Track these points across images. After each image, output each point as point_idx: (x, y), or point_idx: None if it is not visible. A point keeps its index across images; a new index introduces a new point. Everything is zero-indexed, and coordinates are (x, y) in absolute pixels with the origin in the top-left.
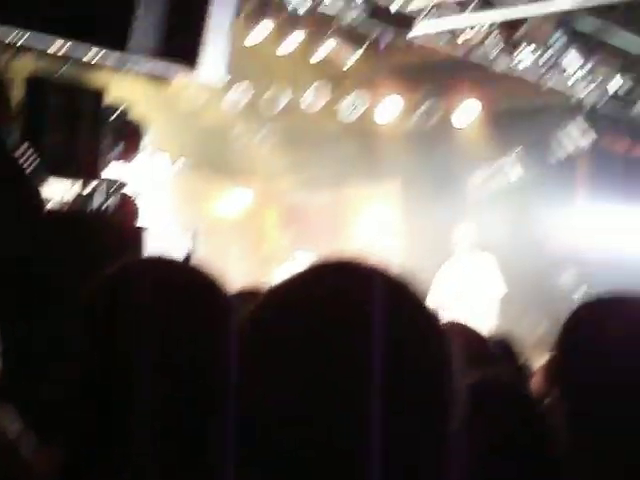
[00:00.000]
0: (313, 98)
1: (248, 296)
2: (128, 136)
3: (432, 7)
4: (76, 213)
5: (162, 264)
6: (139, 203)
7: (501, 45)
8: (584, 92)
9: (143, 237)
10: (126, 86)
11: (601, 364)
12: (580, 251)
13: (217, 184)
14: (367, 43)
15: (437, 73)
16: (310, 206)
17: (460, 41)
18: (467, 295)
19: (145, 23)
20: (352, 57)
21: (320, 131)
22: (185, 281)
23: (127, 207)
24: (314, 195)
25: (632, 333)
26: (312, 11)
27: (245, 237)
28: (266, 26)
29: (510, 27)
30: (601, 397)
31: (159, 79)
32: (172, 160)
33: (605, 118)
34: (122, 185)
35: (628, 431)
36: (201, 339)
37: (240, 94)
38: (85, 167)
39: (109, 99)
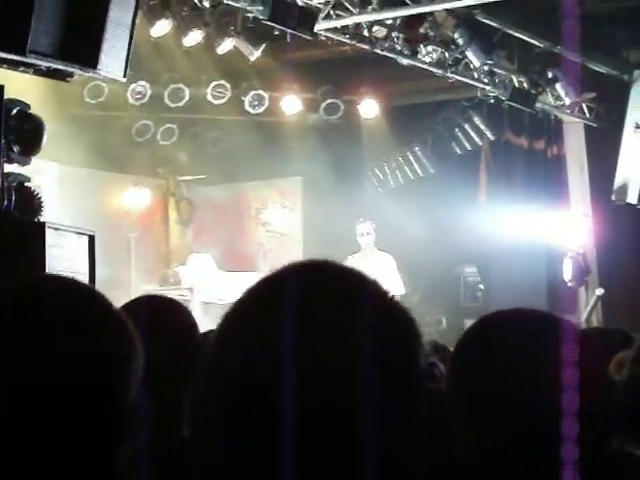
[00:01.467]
0: (216, 93)
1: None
2: (28, 133)
3: (336, 3)
4: None
5: (61, 286)
6: (41, 198)
7: (405, 41)
8: (487, 87)
9: (45, 232)
10: (24, 82)
11: (487, 380)
12: (482, 245)
13: (119, 180)
14: (270, 39)
15: (340, 69)
16: (211, 202)
17: (364, 37)
18: None
19: (42, 25)
20: (255, 52)
21: (223, 126)
22: (88, 309)
23: (30, 202)
24: (215, 191)
25: (520, 353)
26: (215, 6)
27: (149, 233)
28: (169, 21)
29: (413, 23)
30: (486, 411)
31: (58, 76)
32: (71, 157)
33: (508, 113)
34: (24, 180)
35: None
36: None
37: (142, 89)
38: None
39: (8, 95)
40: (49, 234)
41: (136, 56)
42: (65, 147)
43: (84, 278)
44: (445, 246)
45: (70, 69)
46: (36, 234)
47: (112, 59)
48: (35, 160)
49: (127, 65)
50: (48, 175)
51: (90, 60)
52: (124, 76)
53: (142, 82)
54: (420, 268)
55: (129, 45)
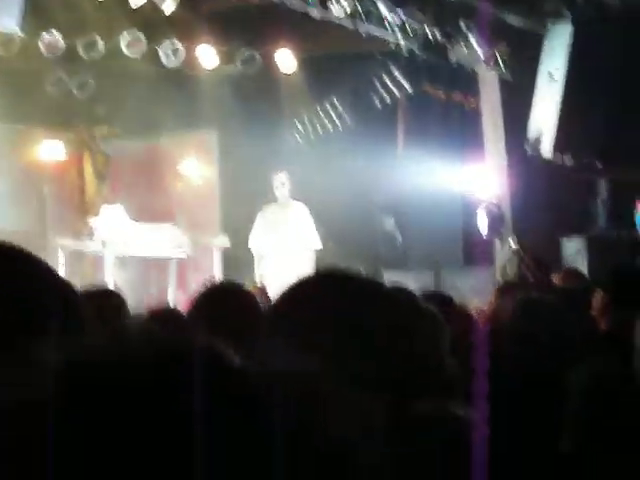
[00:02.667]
0: (130, 45)
1: None
2: None
3: None
4: None
5: None
6: None
7: None
8: (401, 39)
9: None
10: None
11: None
12: (400, 197)
13: (33, 134)
14: None
15: (256, 21)
16: (127, 155)
17: None
18: (283, 245)
19: None
20: (170, 5)
21: (137, 79)
22: None
23: None
24: (131, 144)
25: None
26: None
27: (63, 188)
28: None
29: None
30: None
31: None
32: None
33: (423, 65)
34: None
35: None
36: None
37: (56, 42)
38: None
39: None
40: None
41: (49, 9)
42: None
43: None
44: (363, 198)
45: None
46: None
47: (2, 12)
48: None
49: (20, 17)
50: None
51: None
52: (19, 27)
53: (55, 34)
54: (339, 220)
55: None
